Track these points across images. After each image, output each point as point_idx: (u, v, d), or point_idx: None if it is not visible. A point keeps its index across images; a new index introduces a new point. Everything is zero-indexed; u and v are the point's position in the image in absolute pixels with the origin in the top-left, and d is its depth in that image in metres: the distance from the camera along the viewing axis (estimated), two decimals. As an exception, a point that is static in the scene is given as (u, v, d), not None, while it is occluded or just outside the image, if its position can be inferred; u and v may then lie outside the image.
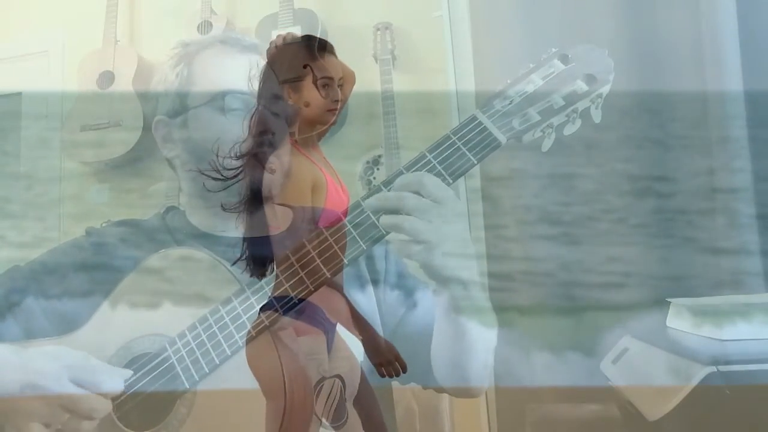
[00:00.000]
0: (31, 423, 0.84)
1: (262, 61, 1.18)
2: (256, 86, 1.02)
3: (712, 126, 1.34)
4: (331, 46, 0.58)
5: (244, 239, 0.59)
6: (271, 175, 0.59)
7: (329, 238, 0.56)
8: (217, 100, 1.07)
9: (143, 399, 0.89)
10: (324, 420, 0.54)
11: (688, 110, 1.38)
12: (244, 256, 0.59)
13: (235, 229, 0.59)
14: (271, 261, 0.58)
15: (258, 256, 0.58)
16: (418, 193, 0.85)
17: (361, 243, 0.82)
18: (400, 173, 0.86)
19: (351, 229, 0.82)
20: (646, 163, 1.40)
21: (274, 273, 0.57)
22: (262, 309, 0.56)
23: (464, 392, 1.14)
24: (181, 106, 1.10)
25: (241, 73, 1.08)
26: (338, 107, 0.58)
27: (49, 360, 0.88)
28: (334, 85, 0.58)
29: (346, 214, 0.59)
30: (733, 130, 1.32)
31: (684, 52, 1.39)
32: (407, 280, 1.11)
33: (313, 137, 0.60)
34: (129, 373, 0.89)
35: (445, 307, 0.94)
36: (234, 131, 1.05)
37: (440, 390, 1.07)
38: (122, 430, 0.89)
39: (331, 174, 0.59)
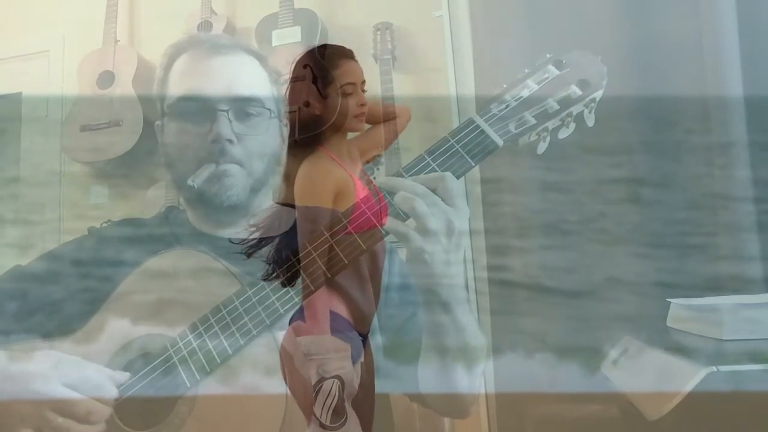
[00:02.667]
0: (23, 429, 0.84)
1: (243, 59, 1.19)
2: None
3: (712, 131, 1.35)
4: (351, 52, 0.59)
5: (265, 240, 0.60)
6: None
7: (325, 242, 0.57)
8: (175, 107, 1.09)
9: (144, 398, 0.89)
10: (323, 420, 0.54)
11: (689, 115, 1.39)
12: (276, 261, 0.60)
13: (233, 228, 0.58)
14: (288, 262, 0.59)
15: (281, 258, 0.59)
16: (434, 190, 0.84)
17: (361, 243, 0.82)
18: (400, 176, 0.86)
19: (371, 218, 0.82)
20: (646, 168, 1.41)
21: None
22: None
23: (450, 411, 1.13)
24: (160, 112, 1.13)
25: (206, 77, 1.09)
26: (365, 111, 0.59)
27: (40, 363, 0.88)
28: (358, 90, 0.58)
29: (379, 219, 0.59)
30: (733, 135, 1.33)
31: (684, 57, 1.39)
32: (408, 289, 1.10)
33: (341, 143, 0.60)
34: (126, 376, 0.89)
35: (431, 328, 0.93)
36: (193, 139, 1.07)
37: (426, 406, 1.07)
38: (123, 429, 0.89)
39: (364, 182, 0.59)
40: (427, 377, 0.97)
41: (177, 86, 1.10)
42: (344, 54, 0.58)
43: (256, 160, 1.07)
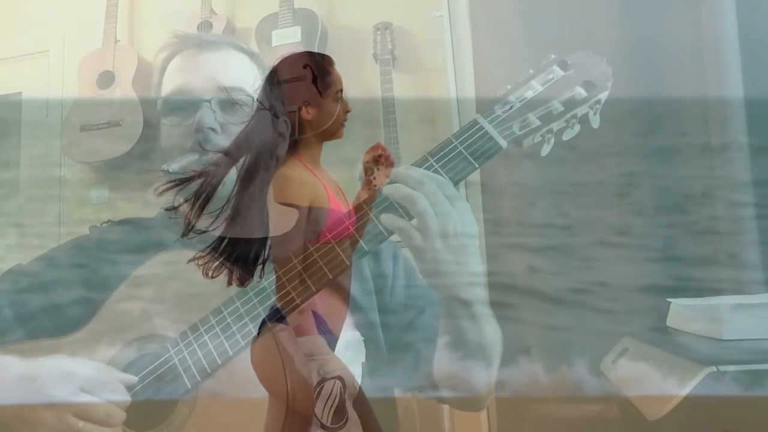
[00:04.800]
0: None
1: (231, 55, 1.18)
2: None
3: (712, 133, 1.35)
4: (332, 60, 0.59)
5: (230, 241, 0.59)
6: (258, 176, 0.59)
7: (332, 240, 0.57)
8: (164, 105, 1.11)
9: (146, 400, 0.89)
10: (324, 421, 0.54)
11: (688, 117, 1.39)
12: (228, 259, 0.59)
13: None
14: (254, 264, 0.58)
15: (244, 259, 0.59)
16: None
17: (383, 231, 0.83)
18: (379, 194, 0.86)
19: (373, 218, 0.83)
20: (646, 169, 1.40)
21: (276, 275, 0.57)
22: (269, 317, 0.57)
23: (465, 405, 1.13)
24: (157, 113, 1.13)
25: (192, 73, 1.10)
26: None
27: (56, 368, 0.88)
28: (344, 97, 0.58)
29: (349, 230, 0.59)
30: (733, 136, 1.33)
31: (685, 58, 1.39)
32: (415, 286, 1.10)
33: (316, 152, 0.60)
34: (134, 379, 0.90)
35: (449, 320, 0.94)
36: (180, 134, 1.07)
37: (441, 400, 1.07)
38: (124, 430, 0.90)
39: (335, 192, 0.59)
40: (443, 374, 0.97)
41: (167, 86, 1.12)
42: (332, 61, 0.59)
43: (267, 154, 1.07)
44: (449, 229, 0.84)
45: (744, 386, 0.97)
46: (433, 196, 0.84)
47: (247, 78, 1.12)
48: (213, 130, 1.05)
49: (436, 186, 0.85)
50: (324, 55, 0.59)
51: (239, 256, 0.58)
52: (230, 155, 0.59)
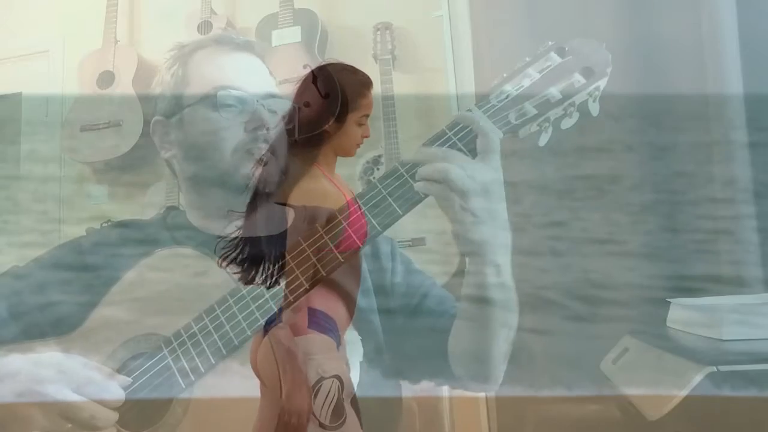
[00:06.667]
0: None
1: (256, 60, 1.19)
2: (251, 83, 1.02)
3: (712, 129, 1.34)
4: (372, 83, 0.59)
5: (247, 240, 0.59)
6: (266, 170, 0.59)
7: (324, 236, 0.57)
8: (210, 98, 1.08)
9: (140, 399, 0.89)
10: (322, 420, 0.54)
11: (688, 113, 1.38)
12: (242, 257, 0.59)
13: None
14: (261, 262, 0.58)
15: (256, 256, 0.59)
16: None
17: (397, 209, 0.82)
18: (396, 170, 0.86)
19: (386, 196, 0.82)
20: (645, 166, 1.40)
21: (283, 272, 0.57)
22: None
23: (479, 387, 1.13)
24: (176, 105, 1.11)
25: (235, 71, 1.10)
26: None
27: (48, 367, 0.88)
28: (367, 123, 0.59)
29: (365, 238, 0.59)
30: (733, 133, 1.32)
31: (684, 55, 1.39)
32: (414, 275, 1.11)
33: (333, 161, 0.60)
34: (128, 381, 0.89)
35: (474, 288, 0.93)
36: (228, 128, 1.07)
37: (455, 387, 1.06)
38: (119, 430, 0.89)
39: (352, 199, 0.59)
40: (463, 349, 0.96)
41: (208, 79, 1.10)
42: (369, 85, 0.59)
43: (281, 155, 1.07)
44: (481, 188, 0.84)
45: (743, 386, 0.96)
46: (458, 161, 0.84)
47: (272, 81, 1.14)
48: (268, 130, 1.05)
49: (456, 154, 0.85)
50: (367, 76, 0.59)
51: (258, 255, 0.59)
52: (278, 157, 0.60)
